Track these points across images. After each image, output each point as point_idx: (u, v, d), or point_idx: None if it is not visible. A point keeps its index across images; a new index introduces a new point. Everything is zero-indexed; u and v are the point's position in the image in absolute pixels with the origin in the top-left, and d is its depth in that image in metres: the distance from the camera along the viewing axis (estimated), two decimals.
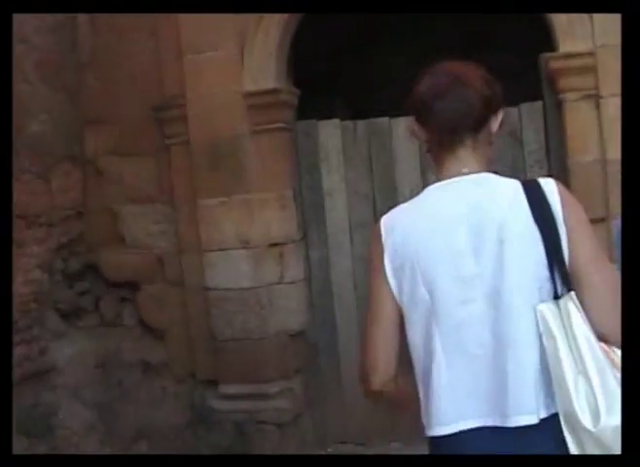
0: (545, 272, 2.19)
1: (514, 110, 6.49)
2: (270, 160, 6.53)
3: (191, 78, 6.54)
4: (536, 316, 2.17)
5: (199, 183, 6.54)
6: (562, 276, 2.19)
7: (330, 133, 6.73)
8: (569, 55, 6.10)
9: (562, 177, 6.25)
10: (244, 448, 6.24)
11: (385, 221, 2.41)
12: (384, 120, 6.70)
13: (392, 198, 6.60)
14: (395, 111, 6.86)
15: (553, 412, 2.17)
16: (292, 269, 6.62)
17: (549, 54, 6.18)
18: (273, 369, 6.54)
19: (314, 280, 6.78)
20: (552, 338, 2.14)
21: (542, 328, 2.16)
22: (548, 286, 2.20)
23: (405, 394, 2.42)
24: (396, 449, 6.28)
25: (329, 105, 9.81)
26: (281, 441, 6.37)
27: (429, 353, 2.27)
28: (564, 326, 2.14)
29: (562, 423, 2.12)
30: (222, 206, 6.51)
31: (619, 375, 2.12)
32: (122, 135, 6.87)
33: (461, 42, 10.46)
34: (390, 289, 2.33)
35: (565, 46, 6.11)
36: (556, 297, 2.18)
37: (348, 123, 6.76)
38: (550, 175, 6.33)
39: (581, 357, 2.11)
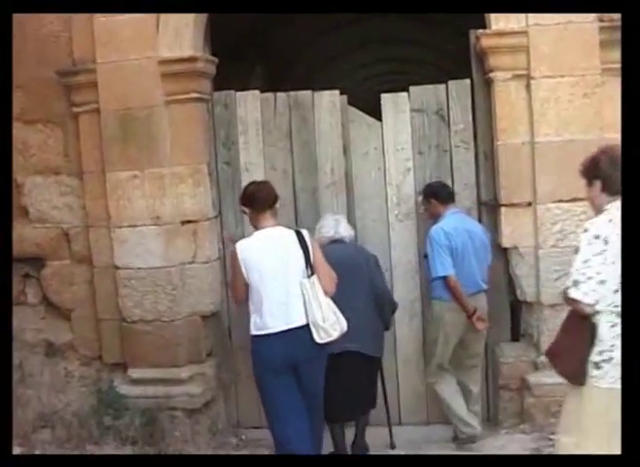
0: (303, 267, 4.94)
1: (441, 87, 6.27)
2: (185, 132, 6.18)
3: (101, 41, 6.14)
4: (300, 283, 4.93)
5: (109, 155, 6.18)
6: (309, 269, 4.95)
7: (249, 105, 6.40)
8: (501, 33, 5.87)
9: (489, 159, 6.09)
10: (155, 436, 5.95)
11: (239, 246, 5.05)
12: (307, 93, 6.41)
13: (312, 176, 6.40)
14: (313, 81, 6.69)
15: (307, 322, 4.89)
16: (206, 248, 6.31)
17: (480, 31, 5.93)
18: (185, 352, 6.26)
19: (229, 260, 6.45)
20: (307, 292, 4.89)
21: (303, 288, 4.91)
22: (303, 272, 4.95)
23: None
24: None
25: (247, 74, 9.49)
26: (193, 428, 6.10)
27: (259, 296, 4.93)
28: (313, 288, 4.91)
29: (312, 325, 4.88)
30: (133, 180, 6.16)
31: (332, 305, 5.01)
32: (26, 101, 6.43)
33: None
34: (243, 271, 4.97)
35: (497, 23, 5.89)
36: (308, 277, 4.94)
37: (268, 95, 6.43)
38: (476, 157, 6.17)
39: (318, 299, 4.90)
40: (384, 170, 6.38)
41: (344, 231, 5.81)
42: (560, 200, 5.86)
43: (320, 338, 4.89)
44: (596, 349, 3.68)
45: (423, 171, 6.31)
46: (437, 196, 5.99)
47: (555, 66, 5.79)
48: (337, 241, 5.75)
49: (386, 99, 6.34)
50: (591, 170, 3.87)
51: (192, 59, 6.11)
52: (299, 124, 6.40)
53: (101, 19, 6.10)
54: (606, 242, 3.58)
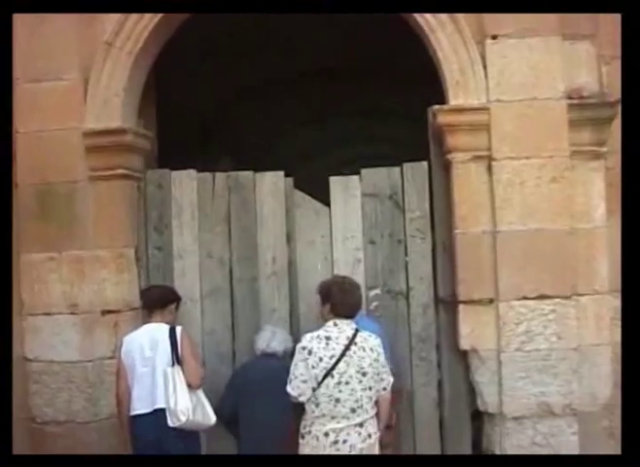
0: (169, 357, 5.14)
1: (395, 170, 5.72)
2: (110, 212, 5.65)
3: (23, 110, 5.63)
4: (164, 370, 5.11)
5: (25, 234, 5.63)
6: (174, 359, 5.12)
7: (184, 186, 5.87)
8: (460, 109, 5.36)
9: (447, 250, 5.51)
10: None
11: (125, 339, 5.30)
12: (247, 174, 5.88)
13: (252, 265, 5.87)
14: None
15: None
16: None
17: (436, 107, 5.40)
18: None
19: None
20: (168, 378, 5.06)
21: (165, 374, 5.09)
22: (169, 362, 5.13)
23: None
24: None
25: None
26: None
27: (133, 382, 5.20)
28: (174, 375, 5.08)
29: (167, 410, 5.04)
30: (49, 263, 5.63)
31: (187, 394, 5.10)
32: None
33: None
34: (124, 365, 5.23)
35: (456, 98, 5.36)
36: (172, 366, 5.11)
37: (206, 174, 5.91)
38: (433, 248, 5.60)
39: (176, 386, 5.05)
40: (332, 261, 5.80)
41: (278, 345, 5.57)
42: (525, 298, 5.27)
43: (172, 421, 5.07)
44: (302, 424, 4.66)
45: (375, 263, 5.73)
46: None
47: (520, 147, 5.27)
48: (268, 355, 5.53)
49: (335, 182, 5.79)
50: (324, 295, 4.72)
51: (119, 131, 5.59)
52: (238, 207, 5.87)
53: (25, 86, 5.59)
54: (310, 353, 4.52)
